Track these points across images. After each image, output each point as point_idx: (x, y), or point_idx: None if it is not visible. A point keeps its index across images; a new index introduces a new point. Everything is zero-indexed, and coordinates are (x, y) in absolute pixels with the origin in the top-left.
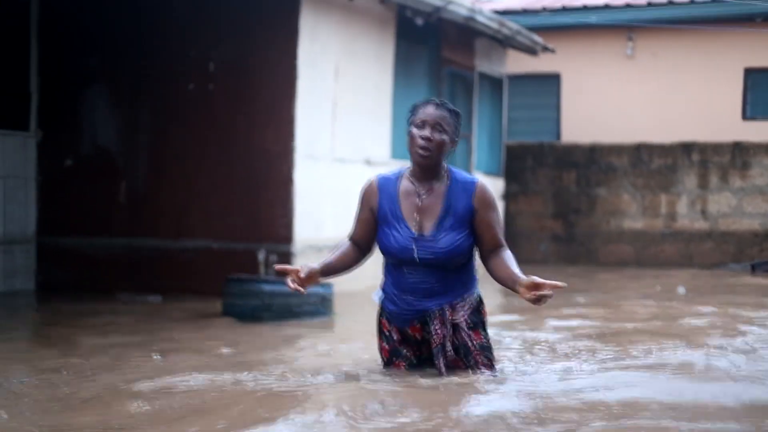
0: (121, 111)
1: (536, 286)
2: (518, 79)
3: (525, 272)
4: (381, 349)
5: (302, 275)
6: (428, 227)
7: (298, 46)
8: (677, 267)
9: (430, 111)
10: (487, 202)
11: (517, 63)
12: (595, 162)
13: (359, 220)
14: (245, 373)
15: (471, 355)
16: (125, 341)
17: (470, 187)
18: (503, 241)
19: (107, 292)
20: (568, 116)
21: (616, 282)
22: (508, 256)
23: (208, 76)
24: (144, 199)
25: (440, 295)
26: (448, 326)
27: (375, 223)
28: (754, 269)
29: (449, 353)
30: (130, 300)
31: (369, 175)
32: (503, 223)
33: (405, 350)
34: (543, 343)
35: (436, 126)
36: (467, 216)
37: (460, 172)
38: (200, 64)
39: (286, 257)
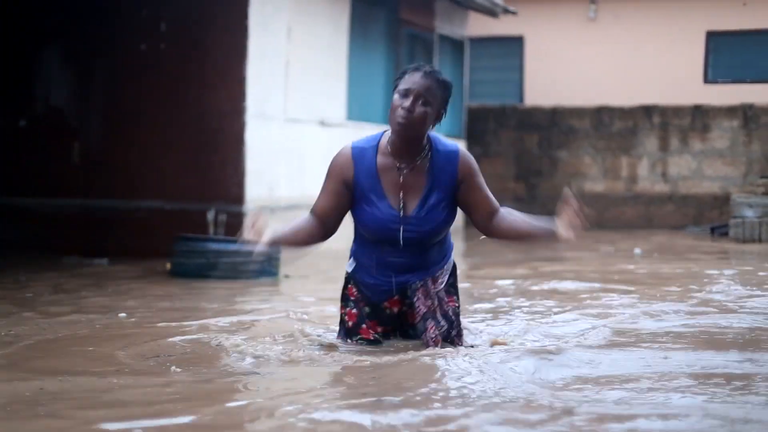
0: (75, 71)
1: (571, 213)
2: (482, 42)
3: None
4: (345, 315)
5: (263, 237)
6: (412, 206)
7: (249, 6)
8: (637, 229)
9: (415, 79)
10: (472, 170)
11: (480, 25)
12: (556, 124)
13: (327, 191)
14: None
15: (453, 329)
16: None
17: (453, 158)
18: (497, 204)
19: (61, 253)
20: (531, 79)
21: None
22: (514, 212)
23: (160, 36)
24: (97, 159)
25: (421, 269)
26: (433, 297)
27: (347, 198)
28: (713, 232)
29: (432, 327)
30: (77, 263)
31: (323, 136)
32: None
33: (368, 325)
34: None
35: (419, 97)
36: (452, 188)
37: (441, 140)
38: (152, 24)
39: (238, 217)
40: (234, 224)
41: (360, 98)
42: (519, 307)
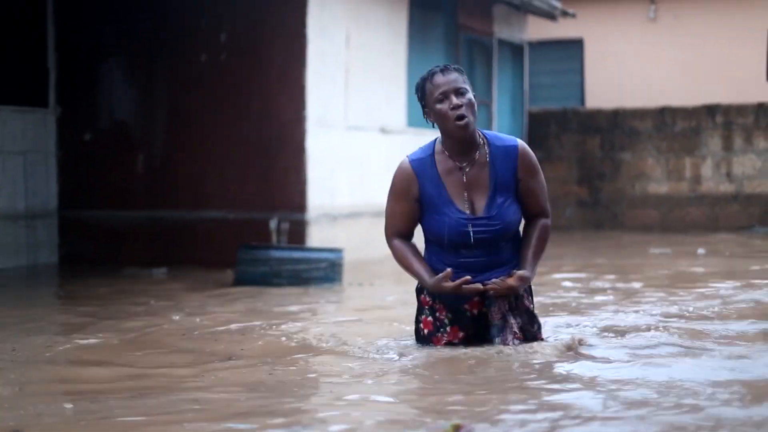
0: (137, 84)
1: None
2: (541, 45)
3: (552, 240)
4: (421, 324)
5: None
6: (480, 205)
7: (307, 13)
8: (703, 231)
9: (441, 80)
10: (533, 166)
11: (539, 29)
12: (618, 126)
13: (399, 214)
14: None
15: (534, 324)
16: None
17: (512, 151)
18: (547, 210)
19: (128, 264)
20: (592, 81)
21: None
22: (540, 229)
23: (220, 47)
24: (161, 170)
25: (498, 267)
26: (512, 298)
27: (418, 212)
28: None
29: (514, 324)
30: (135, 274)
31: (384, 143)
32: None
33: (449, 333)
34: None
35: (457, 91)
36: (513, 183)
37: (496, 135)
38: (212, 35)
39: (300, 225)
40: (296, 232)
41: (419, 106)
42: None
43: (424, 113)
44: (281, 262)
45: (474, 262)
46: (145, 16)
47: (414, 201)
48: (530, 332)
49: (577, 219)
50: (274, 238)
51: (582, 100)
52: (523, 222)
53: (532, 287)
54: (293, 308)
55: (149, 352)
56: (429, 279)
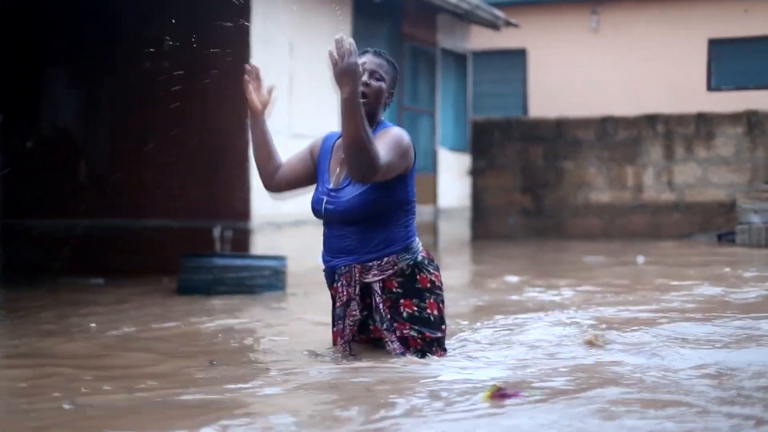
0: (81, 91)
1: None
2: (485, 55)
3: (494, 248)
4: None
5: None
6: (338, 179)
7: (251, 23)
8: (645, 238)
9: (368, 58)
10: (389, 138)
11: (483, 39)
12: (561, 136)
13: (295, 153)
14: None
15: (394, 326)
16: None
17: (377, 130)
18: (382, 155)
19: (71, 273)
20: (535, 91)
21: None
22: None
23: (164, 55)
24: (104, 178)
25: (351, 254)
26: (354, 286)
27: (305, 166)
28: (720, 239)
29: (354, 314)
30: (72, 282)
31: None
32: (398, 159)
33: (339, 313)
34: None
35: (373, 73)
36: None
37: (390, 124)
38: (156, 44)
39: (244, 234)
40: (240, 240)
41: None
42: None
43: None
44: (224, 269)
45: (334, 245)
46: (90, 23)
47: (308, 154)
48: (398, 333)
49: (520, 228)
50: (217, 247)
51: (525, 110)
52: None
53: (428, 291)
54: (228, 316)
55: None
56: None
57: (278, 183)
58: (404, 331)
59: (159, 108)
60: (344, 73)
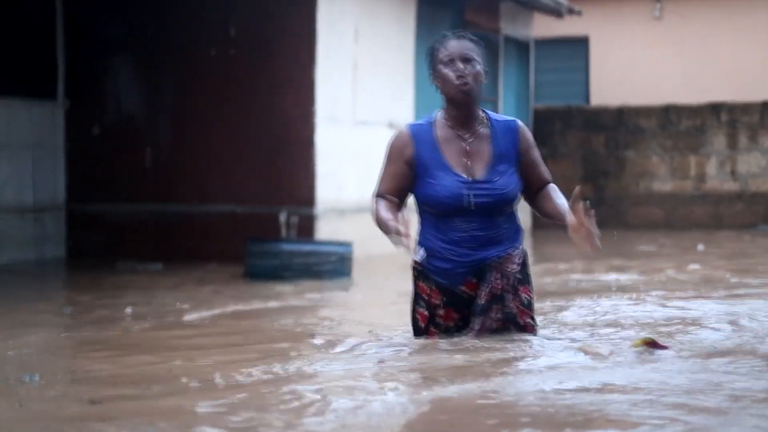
0: (145, 78)
1: (580, 224)
2: (547, 43)
3: (557, 238)
4: (417, 315)
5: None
6: (480, 171)
7: (317, 9)
8: (707, 229)
9: (453, 45)
10: (532, 141)
11: (545, 27)
12: (623, 124)
13: (390, 175)
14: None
15: (517, 315)
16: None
17: (513, 126)
18: (550, 177)
19: (135, 258)
20: (597, 79)
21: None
22: (554, 189)
23: (230, 41)
24: (168, 164)
25: (497, 244)
26: (509, 276)
27: (410, 177)
28: None
29: (507, 308)
30: (129, 268)
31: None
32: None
33: (443, 316)
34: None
35: (465, 58)
36: (515, 156)
37: (496, 114)
38: (221, 30)
39: (309, 220)
40: (305, 226)
41: (427, 100)
42: None
43: (431, 77)
44: (292, 255)
45: (469, 238)
46: (154, 10)
47: (405, 163)
48: (515, 321)
49: None
50: (283, 232)
51: (587, 98)
52: (522, 202)
53: (531, 278)
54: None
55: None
56: (391, 224)
57: (401, 205)
58: (525, 319)
59: (224, 94)
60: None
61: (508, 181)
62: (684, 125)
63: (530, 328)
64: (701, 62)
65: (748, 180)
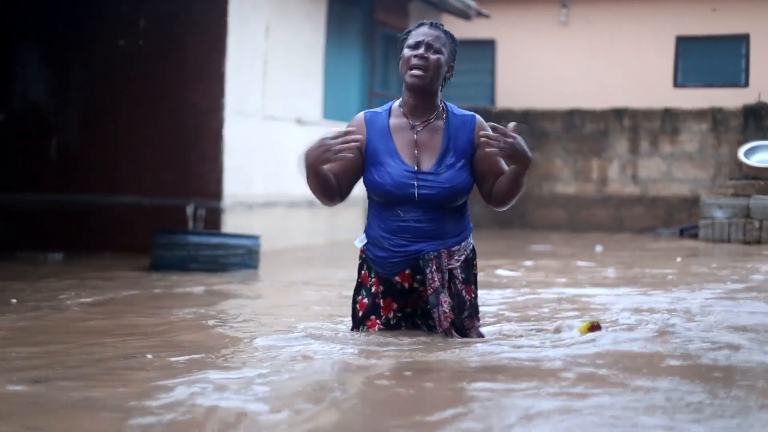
0: (53, 67)
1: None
2: None
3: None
4: (357, 305)
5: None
6: (427, 163)
7: (228, 3)
8: (608, 231)
9: (423, 30)
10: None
11: (453, 28)
12: (528, 127)
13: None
14: None
15: (464, 311)
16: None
17: (470, 121)
18: (505, 167)
19: (40, 249)
20: (503, 82)
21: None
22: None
23: (139, 33)
24: (75, 155)
25: (436, 238)
26: (445, 272)
27: (358, 163)
28: (682, 233)
29: (446, 302)
30: (31, 258)
31: (300, 133)
32: None
33: (383, 307)
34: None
35: (431, 46)
36: (469, 151)
37: (456, 108)
38: (131, 21)
39: (216, 213)
40: (212, 219)
41: (336, 97)
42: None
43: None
44: (199, 247)
45: (413, 228)
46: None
47: (356, 149)
48: (460, 316)
49: (483, 217)
50: (190, 225)
51: (493, 100)
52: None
53: (476, 278)
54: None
55: None
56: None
57: (342, 195)
58: (465, 321)
59: (133, 85)
60: (524, 156)
61: (455, 175)
62: (588, 129)
63: (471, 329)
64: (606, 67)
65: (648, 184)
